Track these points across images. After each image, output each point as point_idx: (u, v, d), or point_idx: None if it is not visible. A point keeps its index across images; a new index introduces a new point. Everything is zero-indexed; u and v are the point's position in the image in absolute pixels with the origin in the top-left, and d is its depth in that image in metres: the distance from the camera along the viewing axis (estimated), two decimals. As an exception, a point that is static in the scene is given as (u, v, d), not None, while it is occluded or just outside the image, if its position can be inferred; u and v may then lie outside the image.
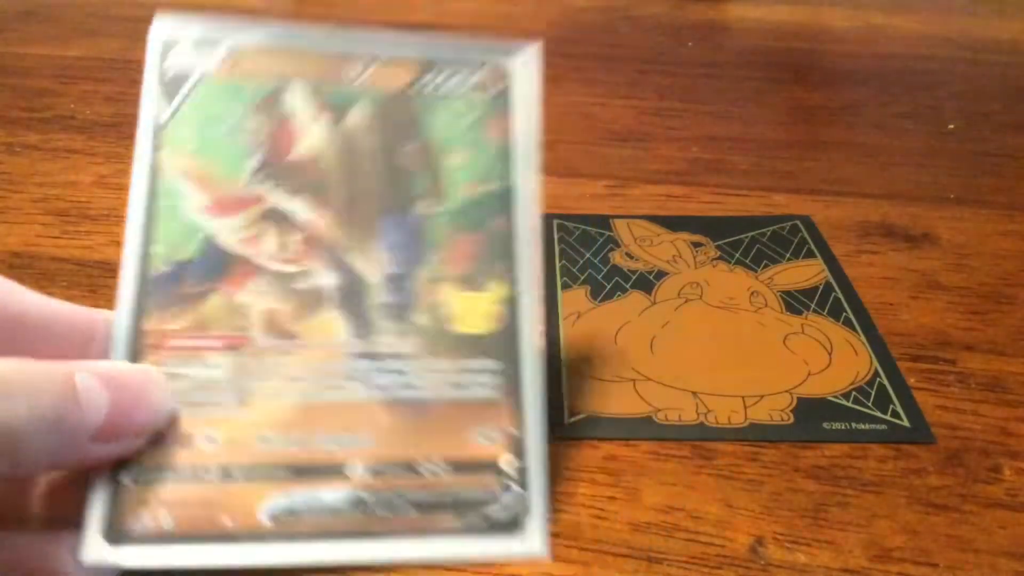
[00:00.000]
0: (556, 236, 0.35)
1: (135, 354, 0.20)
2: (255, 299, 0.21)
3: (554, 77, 0.51)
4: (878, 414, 0.26)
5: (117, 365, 0.21)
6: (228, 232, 0.22)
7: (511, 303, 0.22)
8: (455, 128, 0.23)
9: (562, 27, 0.60)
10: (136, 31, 0.58)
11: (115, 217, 0.36)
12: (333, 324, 0.21)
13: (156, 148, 0.23)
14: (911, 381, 0.28)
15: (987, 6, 0.64)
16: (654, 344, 0.29)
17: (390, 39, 0.23)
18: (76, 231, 0.35)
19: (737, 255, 0.34)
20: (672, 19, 0.62)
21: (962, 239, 0.36)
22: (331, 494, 0.19)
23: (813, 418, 0.26)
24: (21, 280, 0.33)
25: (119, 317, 0.21)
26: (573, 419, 0.26)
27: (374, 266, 0.22)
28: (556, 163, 0.41)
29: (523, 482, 0.20)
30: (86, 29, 0.57)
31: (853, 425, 0.26)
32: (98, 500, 0.19)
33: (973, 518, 0.23)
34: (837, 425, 0.26)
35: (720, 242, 0.35)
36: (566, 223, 0.36)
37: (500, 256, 0.22)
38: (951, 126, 0.46)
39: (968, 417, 0.27)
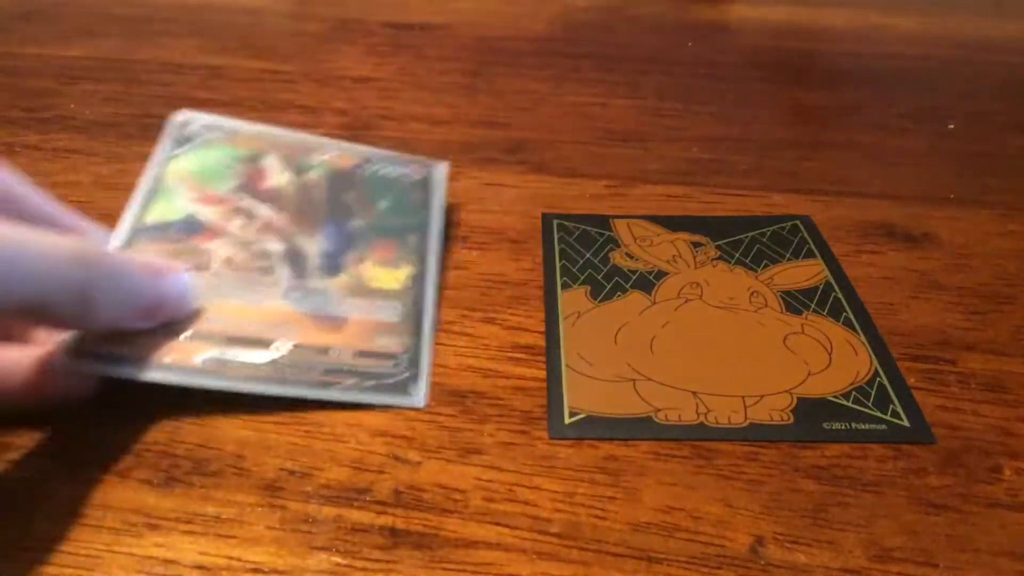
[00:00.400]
0: (556, 236, 0.35)
1: None
2: (218, 248, 0.29)
3: (554, 77, 0.51)
4: (878, 414, 0.26)
5: (165, 264, 0.27)
6: (207, 214, 0.30)
7: (417, 276, 0.30)
8: (388, 191, 0.34)
9: (562, 27, 0.60)
10: (136, 31, 0.58)
11: (115, 218, 0.36)
12: (276, 268, 0.29)
13: (163, 166, 0.31)
14: (911, 381, 0.28)
15: (987, 6, 0.64)
16: (654, 344, 0.29)
17: (343, 144, 0.35)
18: (76, 231, 0.35)
19: (737, 255, 0.34)
20: (672, 19, 0.62)
21: (962, 239, 0.36)
22: (255, 356, 0.26)
23: (813, 418, 0.26)
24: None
25: (115, 238, 0.28)
26: (573, 419, 0.26)
27: (314, 246, 0.30)
28: (556, 163, 0.41)
29: (413, 369, 0.27)
30: (86, 29, 0.57)
31: (853, 425, 0.26)
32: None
33: (973, 518, 0.23)
34: (837, 425, 0.26)
35: (720, 242, 0.35)
36: (566, 223, 0.36)
37: (412, 253, 0.31)
38: (951, 126, 0.46)
39: (968, 417, 0.27)
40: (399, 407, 0.26)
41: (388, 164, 0.35)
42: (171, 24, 0.58)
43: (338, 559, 0.22)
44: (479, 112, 0.46)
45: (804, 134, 0.45)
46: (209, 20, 0.59)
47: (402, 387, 0.27)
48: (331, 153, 0.34)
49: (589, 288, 0.32)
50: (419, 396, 0.27)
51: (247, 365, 0.26)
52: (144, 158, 0.41)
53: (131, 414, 0.26)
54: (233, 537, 0.23)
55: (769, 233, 0.35)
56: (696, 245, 0.35)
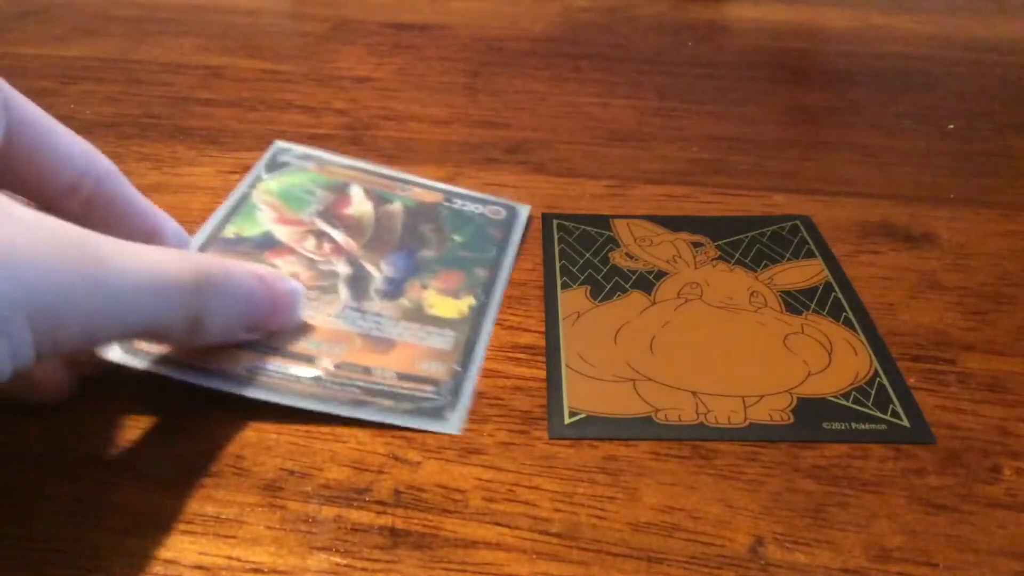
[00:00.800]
0: (556, 236, 0.35)
1: None
2: (286, 264, 0.30)
3: (554, 77, 0.51)
4: (878, 414, 0.26)
5: (277, 274, 0.27)
6: (283, 233, 0.31)
7: (478, 308, 0.30)
8: (466, 225, 0.34)
9: (562, 27, 0.60)
10: (136, 31, 0.58)
11: (115, 217, 0.36)
12: (338, 289, 0.30)
13: (252, 187, 0.33)
14: (911, 381, 0.28)
15: (987, 6, 0.64)
16: (654, 344, 0.29)
17: (429, 181, 0.36)
18: (76, 231, 0.35)
19: (737, 255, 0.34)
20: (672, 19, 0.62)
21: (962, 239, 0.36)
22: (299, 371, 0.26)
23: (813, 418, 0.26)
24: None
25: (193, 244, 0.30)
26: (573, 419, 0.26)
27: (380, 270, 0.31)
28: (556, 163, 0.41)
29: (454, 397, 0.27)
30: (86, 29, 0.57)
31: (853, 425, 0.26)
32: None
33: (973, 518, 0.23)
34: (837, 425, 0.26)
35: (720, 242, 0.35)
36: (566, 223, 0.36)
37: (477, 286, 0.31)
38: (951, 126, 0.46)
39: (968, 417, 0.27)
40: (431, 432, 0.26)
41: (471, 202, 0.35)
42: (171, 24, 0.58)
43: (338, 559, 0.22)
44: (479, 112, 0.46)
45: (804, 134, 0.45)
46: (209, 20, 0.59)
47: (438, 413, 0.26)
48: (416, 188, 0.35)
49: (589, 288, 0.32)
50: (455, 423, 0.26)
51: (290, 378, 0.26)
52: (144, 158, 0.41)
53: (131, 414, 0.26)
54: (233, 537, 0.23)
55: (769, 233, 0.35)
56: (696, 245, 0.34)
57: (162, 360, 0.26)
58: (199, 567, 0.22)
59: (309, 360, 0.27)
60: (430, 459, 0.25)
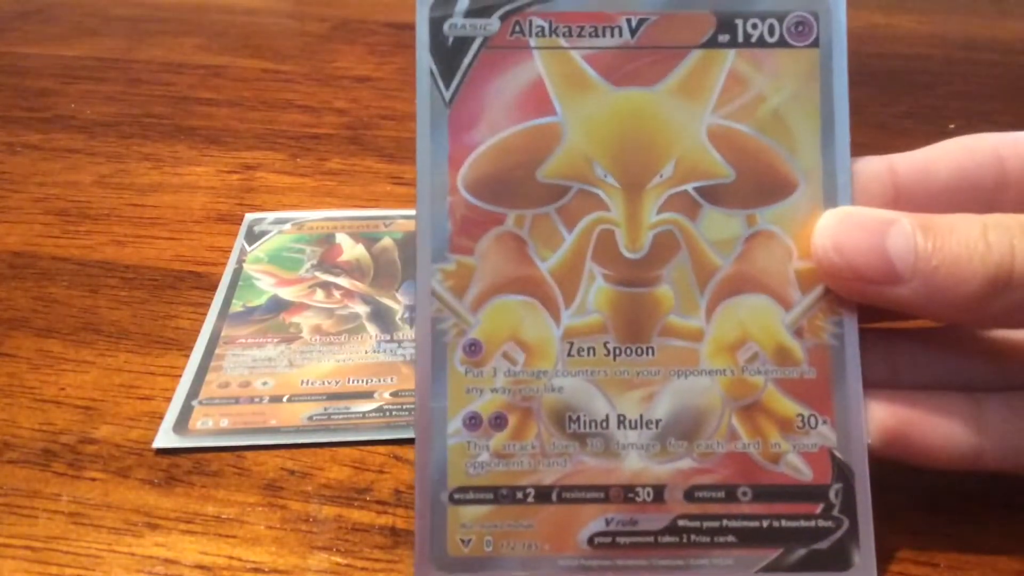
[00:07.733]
0: None
1: (213, 345, 0.29)
2: (305, 319, 0.30)
3: (554, 77, 0.51)
4: None
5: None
6: (288, 293, 0.32)
7: None
8: None
9: (562, 27, 0.60)
10: (136, 31, 0.58)
11: (116, 217, 0.36)
12: (366, 327, 0.30)
13: (240, 262, 0.33)
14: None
15: (987, 6, 0.64)
16: None
17: (408, 211, 0.36)
18: (76, 231, 0.35)
19: None
20: (672, 19, 0.62)
21: (962, 239, 0.35)
22: (360, 407, 0.27)
23: None
24: (21, 280, 0.34)
25: (205, 328, 0.30)
26: None
27: (397, 302, 0.31)
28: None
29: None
30: (86, 29, 0.57)
31: None
32: (171, 413, 0.26)
33: (973, 518, 0.23)
34: None
35: None
36: None
37: None
38: (951, 126, 0.46)
39: (968, 417, 0.26)
40: None
41: None
42: (171, 24, 0.58)
43: (339, 559, 0.22)
44: (479, 112, 0.46)
45: (804, 134, 0.45)
46: (209, 20, 0.59)
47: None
48: (399, 220, 0.36)
49: None
50: None
51: (353, 415, 0.26)
52: (145, 158, 0.41)
53: (131, 413, 0.26)
54: (233, 537, 0.23)
55: None
56: None
57: (219, 432, 0.25)
58: (200, 567, 0.22)
59: (367, 395, 0.27)
60: (430, 459, 0.25)
